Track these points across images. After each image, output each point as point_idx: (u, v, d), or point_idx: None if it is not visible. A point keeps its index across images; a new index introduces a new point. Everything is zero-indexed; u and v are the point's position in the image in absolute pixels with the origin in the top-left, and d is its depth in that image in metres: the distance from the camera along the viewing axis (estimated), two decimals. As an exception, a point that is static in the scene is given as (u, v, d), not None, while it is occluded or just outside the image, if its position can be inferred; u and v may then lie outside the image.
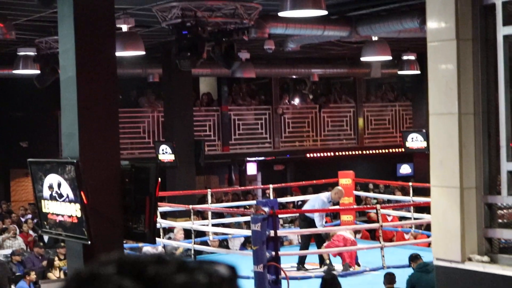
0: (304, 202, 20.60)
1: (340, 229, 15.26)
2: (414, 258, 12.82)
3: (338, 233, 14.89)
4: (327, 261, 14.76)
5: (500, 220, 5.55)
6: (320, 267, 14.83)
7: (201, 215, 19.60)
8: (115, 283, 0.93)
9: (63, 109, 9.23)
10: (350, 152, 27.36)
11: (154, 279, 0.94)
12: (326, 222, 16.14)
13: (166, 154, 21.02)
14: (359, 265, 14.75)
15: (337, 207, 19.48)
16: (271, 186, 19.31)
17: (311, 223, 14.82)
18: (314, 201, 15.38)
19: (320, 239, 15.19)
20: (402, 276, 12.76)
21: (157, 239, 15.00)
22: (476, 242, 5.46)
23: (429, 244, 15.64)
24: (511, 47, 5.30)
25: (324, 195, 15.36)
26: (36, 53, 17.86)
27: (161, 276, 0.95)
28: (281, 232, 14.40)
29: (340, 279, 12.44)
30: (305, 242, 15.19)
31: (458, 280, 5.51)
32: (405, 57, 22.81)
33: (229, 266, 1.01)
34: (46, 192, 9.21)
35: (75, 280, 0.96)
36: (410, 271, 12.75)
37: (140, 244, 16.62)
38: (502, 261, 5.33)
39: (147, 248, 15.94)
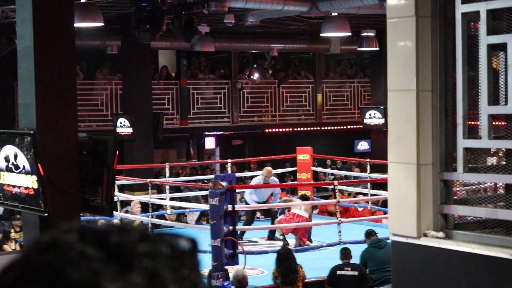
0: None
1: (295, 204, 15.32)
2: (368, 234, 12.98)
3: (291, 210, 15.02)
4: (281, 237, 14.89)
5: (455, 197, 5.61)
6: (268, 239, 15.43)
7: (159, 189, 19.56)
8: (78, 250, 0.93)
9: (20, 80, 9.12)
10: (309, 128, 27.45)
11: (117, 247, 0.94)
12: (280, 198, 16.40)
13: (124, 127, 20.92)
14: (311, 241, 14.87)
15: (295, 182, 19.61)
16: (229, 160, 19.33)
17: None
18: (253, 182, 16.58)
19: (271, 214, 15.73)
20: (358, 252, 12.89)
21: (114, 212, 14.98)
22: (432, 218, 5.52)
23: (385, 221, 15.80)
24: (469, 25, 5.33)
25: (257, 178, 16.52)
26: (-8, 23, 17.62)
27: (124, 244, 0.94)
28: (238, 207, 14.44)
29: (297, 254, 12.52)
30: (249, 218, 16.02)
31: (413, 256, 5.57)
32: (364, 34, 22.88)
33: (189, 238, 1.01)
34: (2, 163, 9.12)
35: (35, 248, 0.95)
36: (365, 246, 12.90)
37: (97, 217, 16.56)
38: (457, 237, 5.39)
39: (103, 221, 15.87)
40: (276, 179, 16.62)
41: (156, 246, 0.96)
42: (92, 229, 0.97)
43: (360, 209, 18.19)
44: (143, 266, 0.93)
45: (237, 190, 14.01)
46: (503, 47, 5.16)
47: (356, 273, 11.90)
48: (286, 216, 14.96)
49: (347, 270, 11.92)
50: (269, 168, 16.67)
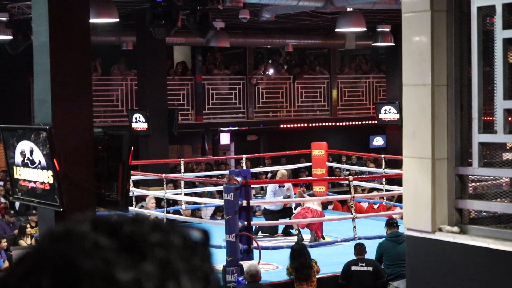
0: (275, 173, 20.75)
1: (308, 200, 15.33)
2: (390, 224, 12.87)
3: (305, 205, 15.02)
4: (296, 231, 14.90)
5: (470, 192, 5.59)
6: (284, 235, 15.42)
7: (174, 184, 19.61)
8: (91, 239, 0.93)
9: (35, 75, 9.16)
10: (324, 124, 27.41)
11: (130, 237, 0.95)
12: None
13: (139, 122, 20.96)
14: (323, 238, 14.86)
15: (310, 178, 19.60)
16: (244, 156, 19.34)
17: (272, 214, 15.57)
18: (268, 192, 16.13)
19: (288, 212, 15.60)
20: (373, 247, 12.87)
21: (129, 207, 15.02)
22: (447, 213, 5.51)
23: (401, 217, 15.73)
24: (485, 19, 5.31)
25: (272, 186, 16.03)
26: (8, 19, 17.66)
27: (136, 234, 0.95)
28: (253, 202, 14.44)
29: (311, 250, 12.52)
30: (270, 231, 15.73)
31: (428, 250, 5.56)
32: (379, 29, 22.83)
33: (202, 230, 1.02)
34: (18, 159, 9.16)
35: (49, 238, 0.96)
36: (380, 241, 12.85)
37: (112, 213, 16.59)
38: (472, 232, 5.38)
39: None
40: (290, 185, 16.40)
41: (168, 237, 0.97)
42: (104, 220, 0.98)
43: (375, 206, 18.16)
44: (155, 256, 0.94)
45: (252, 203, 13.90)
46: (518, 41, 5.14)
47: (370, 268, 11.90)
48: (301, 210, 14.94)
49: (361, 265, 11.92)
50: (283, 171, 16.64)
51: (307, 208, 14.78)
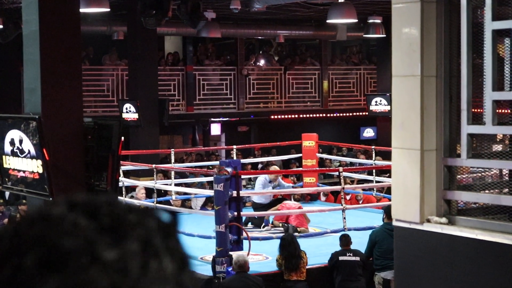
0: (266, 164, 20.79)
1: (296, 191, 15.42)
2: (389, 212, 12.68)
3: (283, 203, 15.22)
4: (283, 222, 14.97)
5: (459, 183, 5.61)
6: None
7: (164, 174, 19.58)
8: (70, 221, 0.93)
9: (25, 64, 9.14)
10: (314, 115, 27.42)
11: (108, 217, 0.95)
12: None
13: (129, 113, 20.92)
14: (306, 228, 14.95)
15: (300, 169, 19.62)
16: (234, 147, 19.34)
17: (261, 208, 15.48)
18: (256, 184, 15.97)
19: (277, 204, 15.65)
20: (362, 239, 12.90)
21: (119, 197, 15.01)
22: (435, 204, 5.52)
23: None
24: (475, 10, 5.32)
25: (262, 176, 15.96)
26: (-1, 8, 17.63)
27: (114, 215, 0.95)
28: (243, 193, 14.45)
29: (301, 241, 12.54)
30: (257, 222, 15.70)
31: (416, 241, 5.58)
32: (371, 20, 22.83)
33: (172, 212, 1.03)
34: (7, 148, 9.15)
35: (24, 222, 0.96)
36: (371, 232, 12.84)
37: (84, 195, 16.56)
38: (460, 223, 5.40)
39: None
40: (280, 179, 16.39)
41: (144, 218, 0.97)
42: (80, 202, 0.98)
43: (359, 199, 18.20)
44: (136, 235, 0.94)
45: (242, 194, 13.89)
46: (508, 32, 5.16)
47: (358, 258, 11.95)
48: (279, 206, 15.16)
49: (349, 255, 11.97)
50: (276, 167, 16.69)
51: (283, 205, 15.05)
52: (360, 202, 17.49)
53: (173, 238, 0.98)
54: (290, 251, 11.73)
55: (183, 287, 0.96)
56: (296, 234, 13.84)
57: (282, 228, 14.91)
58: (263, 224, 15.38)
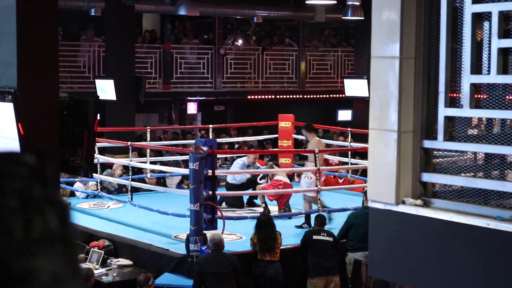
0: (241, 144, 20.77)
1: (277, 171, 15.40)
2: None
3: (276, 177, 15.08)
4: (263, 204, 14.92)
5: (435, 165, 5.62)
6: (248, 206, 15.62)
7: (140, 152, 19.53)
8: None
9: (1, 37, 9.04)
10: (291, 96, 27.43)
11: None
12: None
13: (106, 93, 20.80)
14: (287, 209, 14.90)
15: (276, 149, 19.63)
16: (210, 126, 19.32)
17: (235, 188, 15.53)
18: (233, 167, 16.05)
19: (251, 184, 15.57)
20: (337, 220, 12.96)
21: (94, 174, 14.95)
22: (411, 185, 5.54)
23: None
24: (455, -7, 5.31)
25: (241, 159, 15.96)
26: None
27: None
28: (219, 172, 14.43)
29: (276, 221, 12.56)
30: (237, 203, 15.74)
31: (391, 222, 5.59)
32: (350, 2, 22.79)
33: (36, 151, 0.95)
34: (-19, 122, 9.06)
35: None
36: (344, 215, 12.89)
37: (77, 179, 16.55)
38: (435, 205, 5.41)
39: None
40: (257, 164, 16.38)
41: (13, 165, 0.87)
42: None
43: (341, 180, 18.24)
44: (12, 188, 0.84)
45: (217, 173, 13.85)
46: (487, 16, 5.15)
47: (331, 239, 12.03)
48: (271, 182, 15.02)
49: (323, 235, 12.05)
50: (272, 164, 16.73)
51: (279, 181, 14.84)
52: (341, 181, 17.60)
53: (48, 185, 0.88)
54: (267, 232, 11.75)
55: (69, 244, 0.86)
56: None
57: (257, 209, 14.93)
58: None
